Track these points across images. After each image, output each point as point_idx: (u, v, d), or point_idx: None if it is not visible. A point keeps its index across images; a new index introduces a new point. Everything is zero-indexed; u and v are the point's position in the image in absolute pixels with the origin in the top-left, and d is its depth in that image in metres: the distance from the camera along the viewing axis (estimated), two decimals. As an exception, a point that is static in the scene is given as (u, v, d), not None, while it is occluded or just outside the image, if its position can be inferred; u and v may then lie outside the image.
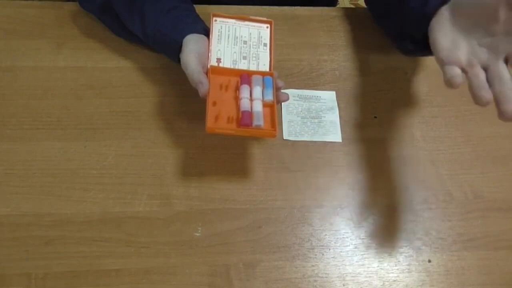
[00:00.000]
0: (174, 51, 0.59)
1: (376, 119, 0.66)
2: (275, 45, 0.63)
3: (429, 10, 0.54)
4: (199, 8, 0.66)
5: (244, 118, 0.55)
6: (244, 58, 0.61)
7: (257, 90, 0.57)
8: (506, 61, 0.47)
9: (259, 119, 0.55)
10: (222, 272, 0.53)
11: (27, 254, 0.52)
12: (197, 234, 0.55)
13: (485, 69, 0.48)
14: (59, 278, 0.51)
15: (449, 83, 0.47)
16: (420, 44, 0.59)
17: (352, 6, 1.92)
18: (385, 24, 0.71)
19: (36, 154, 0.59)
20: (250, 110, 0.56)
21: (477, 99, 0.44)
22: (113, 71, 0.66)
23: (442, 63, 0.50)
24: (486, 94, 0.44)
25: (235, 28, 0.62)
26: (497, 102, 0.43)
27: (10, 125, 0.60)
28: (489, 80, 0.46)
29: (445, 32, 0.52)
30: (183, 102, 0.64)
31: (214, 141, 0.61)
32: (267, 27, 0.63)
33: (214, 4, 0.72)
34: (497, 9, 0.48)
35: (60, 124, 0.61)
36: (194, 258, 0.54)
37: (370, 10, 0.75)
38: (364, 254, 0.56)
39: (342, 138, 0.64)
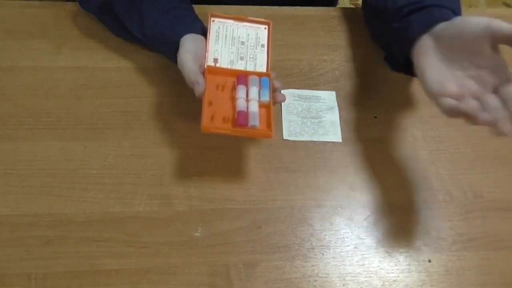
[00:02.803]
0: (173, 51, 0.59)
1: (376, 119, 0.66)
2: (275, 45, 0.63)
3: (410, 35, 0.54)
4: (199, 8, 0.66)
5: (239, 118, 0.55)
6: (241, 58, 0.61)
7: (254, 91, 0.57)
8: (495, 91, 0.47)
9: (255, 120, 0.55)
10: (222, 272, 0.53)
11: (27, 254, 0.52)
12: (197, 234, 0.55)
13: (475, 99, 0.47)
14: (59, 278, 0.51)
15: (450, 113, 0.46)
16: (403, 66, 0.59)
17: (352, 6, 1.92)
18: (376, 41, 0.72)
19: (36, 154, 0.59)
20: (246, 110, 0.56)
21: (479, 122, 0.44)
22: (113, 71, 0.66)
23: (433, 97, 0.49)
24: (486, 116, 0.44)
25: (233, 29, 0.62)
26: (492, 125, 0.44)
27: (10, 125, 0.60)
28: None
29: (431, 64, 0.51)
30: (183, 102, 0.64)
31: (214, 141, 0.61)
32: (265, 28, 0.63)
33: (214, 4, 0.72)
34: (481, 45, 0.48)
35: (60, 124, 0.61)
36: (194, 258, 0.54)
37: (367, 26, 0.74)
38: (364, 254, 0.56)
39: (342, 138, 0.64)
